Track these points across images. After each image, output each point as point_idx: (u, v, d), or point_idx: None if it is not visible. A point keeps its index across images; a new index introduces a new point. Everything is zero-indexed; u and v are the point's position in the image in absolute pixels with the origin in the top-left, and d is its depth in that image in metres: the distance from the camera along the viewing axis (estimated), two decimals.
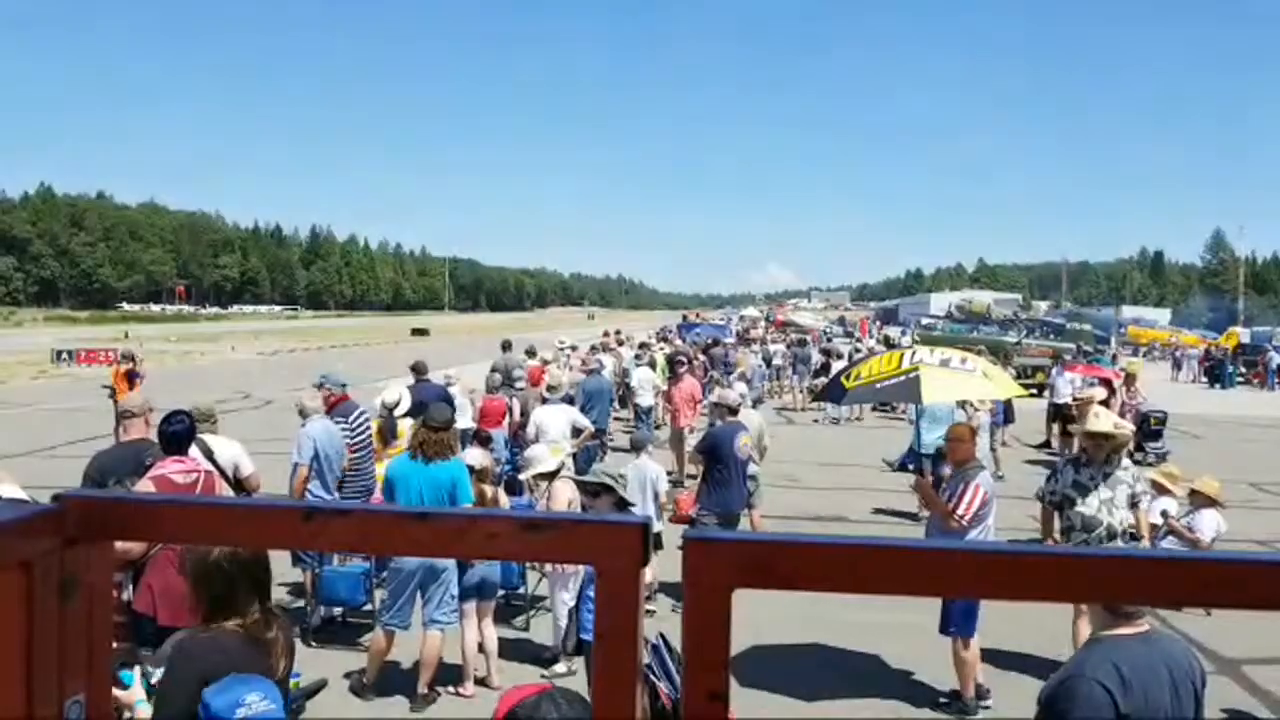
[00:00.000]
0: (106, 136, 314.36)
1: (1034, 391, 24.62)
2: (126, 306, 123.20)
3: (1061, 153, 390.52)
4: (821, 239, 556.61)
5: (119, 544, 3.60)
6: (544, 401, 10.93)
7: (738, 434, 8.41)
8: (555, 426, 10.22)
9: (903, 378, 6.30)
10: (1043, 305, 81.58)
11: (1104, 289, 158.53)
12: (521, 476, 7.95)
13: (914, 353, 6.58)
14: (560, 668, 6.55)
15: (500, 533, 0.76)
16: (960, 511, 6.16)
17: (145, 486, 5.08)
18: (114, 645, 4.68)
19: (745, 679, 6.07)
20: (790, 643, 7.18)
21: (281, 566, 7.84)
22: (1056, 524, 6.55)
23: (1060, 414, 16.64)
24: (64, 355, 37.25)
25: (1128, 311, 77.95)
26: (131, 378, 16.02)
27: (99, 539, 0.79)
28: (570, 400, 11.94)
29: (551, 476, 6.78)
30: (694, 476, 8.98)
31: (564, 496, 6.59)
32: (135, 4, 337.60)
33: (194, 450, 5.70)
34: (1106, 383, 17.68)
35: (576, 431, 10.59)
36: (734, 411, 8.76)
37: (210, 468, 5.47)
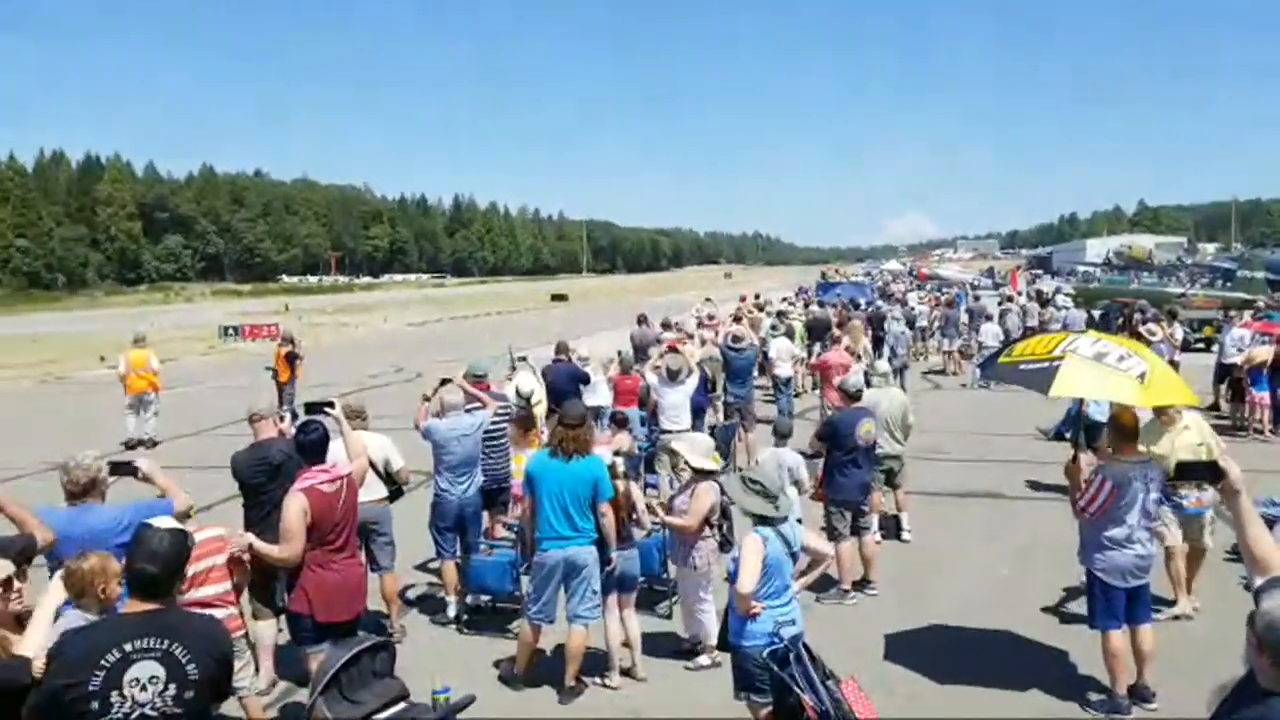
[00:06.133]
0: (261, 117, 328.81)
1: (1202, 346, 23.20)
2: (285, 279, 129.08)
3: (1227, 81, 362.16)
4: (966, 184, 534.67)
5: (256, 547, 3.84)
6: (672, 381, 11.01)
7: (860, 420, 8.13)
8: (675, 403, 10.75)
9: (1045, 364, 5.66)
10: (1210, 249, 76.64)
11: None
12: (675, 447, 7.68)
13: (1075, 340, 5.90)
14: (704, 660, 6.51)
15: None
16: (1082, 505, 5.76)
17: (296, 499, 5.27)
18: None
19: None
20: (941, 624, 7.02)
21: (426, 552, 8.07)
22: None
23: (1229, 375, 15.55)
24: (230, 331, 39.68)
25: None
26: (291, 360, 16.72)
27: None
28: (704, 377, 11.75)
29: (705, 475, 6.65)
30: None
31: (706, 501, 6.47)
32: None
33: (340, 452, 5.88)
34: None
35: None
36: (855, 397, 8.42)
37: (347, 471, 5.65)
